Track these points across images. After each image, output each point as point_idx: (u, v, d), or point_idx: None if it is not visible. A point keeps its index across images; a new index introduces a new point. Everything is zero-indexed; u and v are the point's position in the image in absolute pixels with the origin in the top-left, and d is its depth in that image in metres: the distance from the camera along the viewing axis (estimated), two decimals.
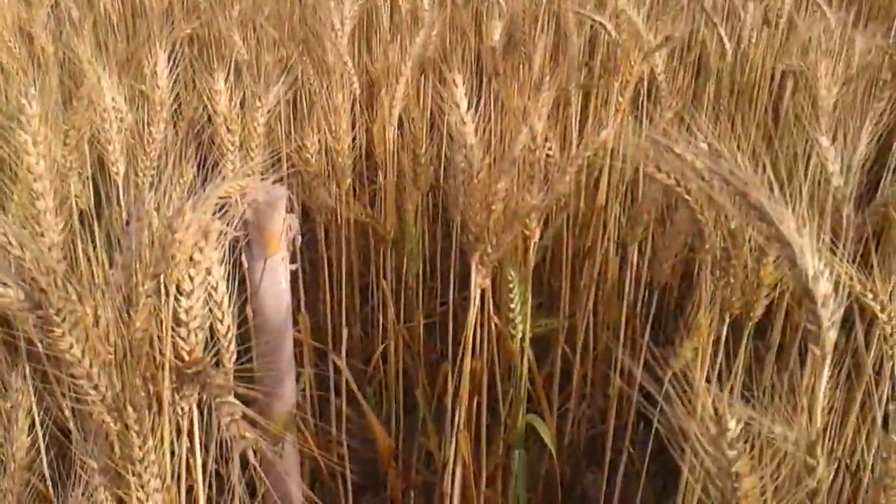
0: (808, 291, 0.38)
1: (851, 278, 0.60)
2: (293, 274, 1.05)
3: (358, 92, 1.29)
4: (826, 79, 1.06)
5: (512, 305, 0.85)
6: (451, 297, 1.05)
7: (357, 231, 1.36)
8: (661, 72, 1.19)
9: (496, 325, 0.96)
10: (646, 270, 0.98)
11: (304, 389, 1.05)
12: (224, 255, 0.62)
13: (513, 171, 0.79)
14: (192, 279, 0.49)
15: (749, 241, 0.64)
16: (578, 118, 1.25)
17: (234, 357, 0.62)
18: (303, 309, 1.04)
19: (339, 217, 1.40)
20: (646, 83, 1.22)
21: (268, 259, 0.69)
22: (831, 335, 0.38)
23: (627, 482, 1.03)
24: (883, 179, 1.07)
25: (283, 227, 0.68)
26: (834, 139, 0.81)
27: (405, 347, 1.15)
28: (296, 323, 1.06)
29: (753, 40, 1.34)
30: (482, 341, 0.97)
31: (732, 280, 0.67)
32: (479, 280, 0.79)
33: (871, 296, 0.59)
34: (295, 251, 0.71)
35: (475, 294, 0.81)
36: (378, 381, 1.25)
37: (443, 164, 1.32)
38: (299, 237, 0.70)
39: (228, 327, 0.62)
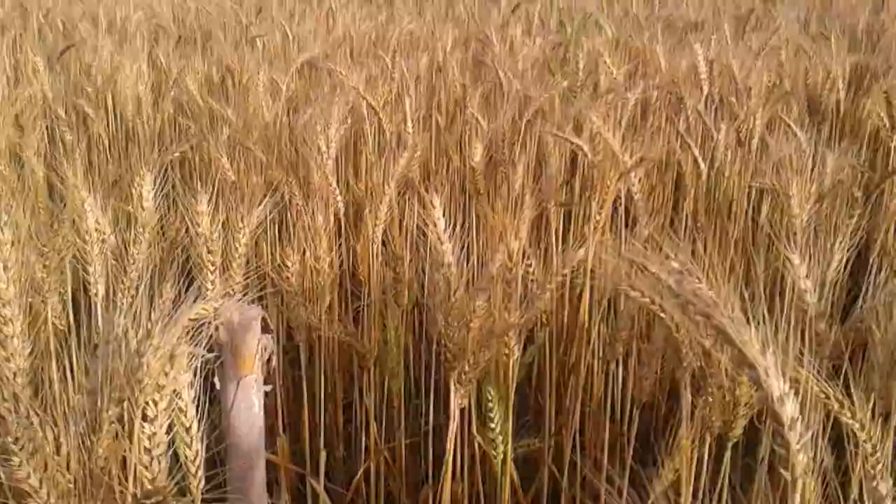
0: (775, 414, 0.37)
1: (828, 397, 0.60)
2: (272, 394, 1.04)
3: (342, 211, 1.31)
4: (798, 196, 1.09)
5: (493, 425, 0.83)
6: (431, 416, 1.03)
7: (341, 349, 1.35)
8: (638, 191, 1.22)
9: (480, 444, 0.94)
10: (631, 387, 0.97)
11: None
12: (195, 377, 0.61)
13: (489, 290, 0.80)
14: (156, 404, 0.49)
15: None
16: (560, 236, 1.27)
17: (202, 483, 0.60)
18: (282, 431, 1.02)
19: (321, 336, 1.40)
20: (623, 202, 1.25)
21: (241, 380, 0.68)
22: (801, 458, 0.37)
23: None
24: (861, 294, 1.08)
25: (257, 347, 0.67)
26: (809, 256, 0.83)
27: (387, 469, 1.12)
28: (274, 445, 1.04)
29: (728, 159, 1.38)
30: (463, 462, 0.95)
31: (710, 399, 0.66)
32: (457, 399, 0.78)
33: (849, 414, 0.59)
34: (269, 372, 0.70)
35: (454, 413, 0.80)
36: None
37: (425, 282, 1.32)
38: (274, 358, 0.70)
39: (196, 452, 0.60)
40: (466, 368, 0.76)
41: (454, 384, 0.78)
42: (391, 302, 1.04)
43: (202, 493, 0.61)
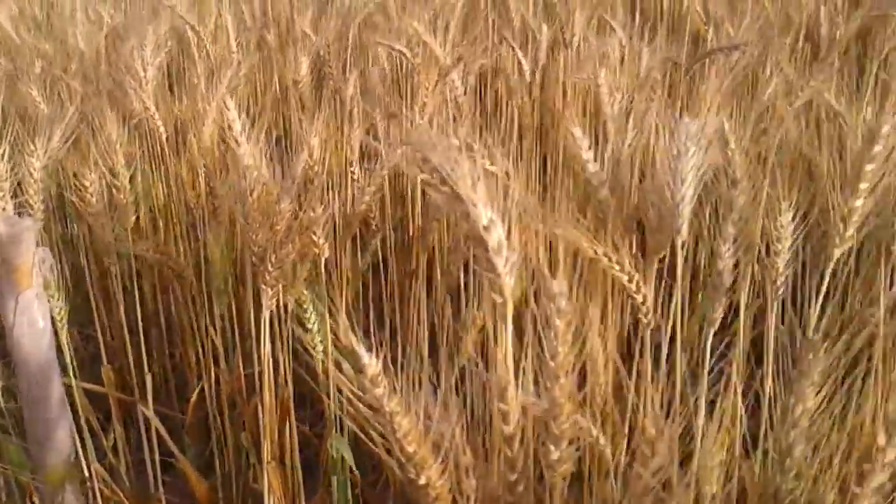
0: (481, 239, 0.39)
1: (596, 251, 0.63)
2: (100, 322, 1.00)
3: (164, 136, 1.26)
4: (606, 86, 1.12)
5: (309, 325, 0.84)
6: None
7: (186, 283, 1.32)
8: (462, 93, 1.23)
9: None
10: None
11: (115, 445, 0.99)
12: None
13: (292, 190, 0.79)
14: None
15: None
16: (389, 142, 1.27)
17: None
18: (106, 361, 0.99)
19: (162, 272, 1.36)
20: (450, 106, 1.26)
21: (19, 296, 0.65)
22: (508, 281, 0.39)
23: None
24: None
25: (34, 260, 0.64)
26: (607, 137, 0.86)
27: (228, 387, 1.11)
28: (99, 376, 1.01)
29: (553, 59, 1.40)
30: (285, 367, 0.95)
31: None
32: (266, 302, 0.78)
33: (611, 260, 0.62)
34: (52, 286, 0.68)
35: (265, 317, 0.79)
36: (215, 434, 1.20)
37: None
38: (55, 270, 0.67)
39: None
40: (270, 268, 0.75)
41: (262, 286, 0.77)
42: (211, 218, 1.02)
43: None
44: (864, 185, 0.50)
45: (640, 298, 0.64)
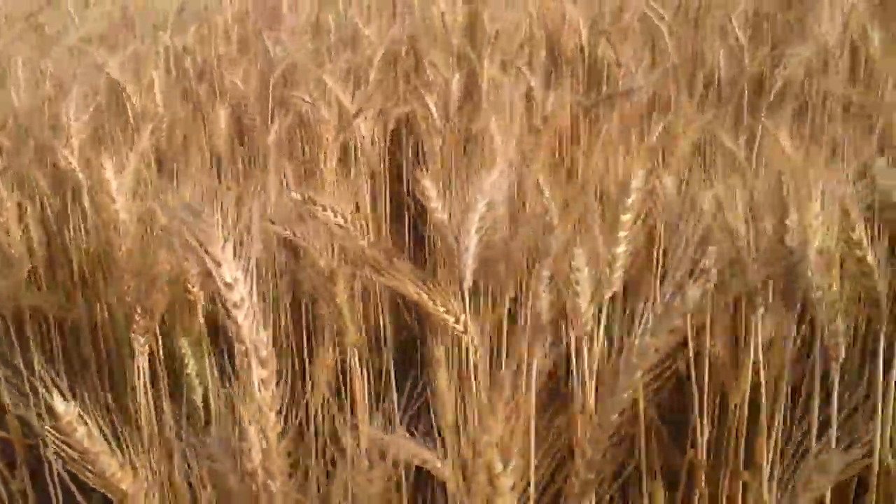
0: (224, 297, 0.43)
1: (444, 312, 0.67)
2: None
3: (86, 190, 1.31)
4: (500, 135, 1.18)
5: (188, 371, 0.88)
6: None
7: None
8: (369, 142, 1.28)
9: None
10: None
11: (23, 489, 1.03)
12: None
13: (162, 243, 0.84)
14: None
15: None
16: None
17: None
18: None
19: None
20: (358, 154, 1.31)
21: None
22: (248, 332, 0.43)
23: None
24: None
25: None
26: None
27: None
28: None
29: (462, 106, 1.46)
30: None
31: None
32: (138, 349, 0.82)
33: (435, 303, 0.67)
34: None
35: (139, 364, 0.83)
36: None
37: None
38: None
39: None
40: (137, 318, 0.80)
41: (133, 335, 0.81)
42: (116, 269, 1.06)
43: None
44: (622, 234, 0.55)
45: (466, 338, 0.69)
